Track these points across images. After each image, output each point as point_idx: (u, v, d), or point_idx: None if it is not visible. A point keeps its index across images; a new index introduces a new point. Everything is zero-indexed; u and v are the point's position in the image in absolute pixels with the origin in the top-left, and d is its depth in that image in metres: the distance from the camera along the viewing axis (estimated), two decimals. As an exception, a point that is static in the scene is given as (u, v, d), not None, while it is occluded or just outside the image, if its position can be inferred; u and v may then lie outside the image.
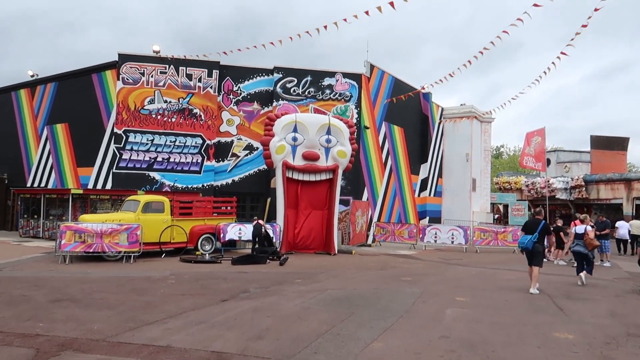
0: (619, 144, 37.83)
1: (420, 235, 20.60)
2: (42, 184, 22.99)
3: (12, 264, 12.92)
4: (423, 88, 23.19)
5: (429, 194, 27.66)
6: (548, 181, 33.80)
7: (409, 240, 20.87)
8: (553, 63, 16.75)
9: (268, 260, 14.61)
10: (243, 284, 10.28)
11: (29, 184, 23.57)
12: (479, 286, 10.90)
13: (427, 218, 27.03)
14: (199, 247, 16.14)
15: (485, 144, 31.66)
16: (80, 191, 18.72)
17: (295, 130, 17.36)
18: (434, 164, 28.38)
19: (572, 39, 15.34)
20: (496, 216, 36.43)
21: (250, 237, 16.49)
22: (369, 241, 22.06)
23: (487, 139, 31.71)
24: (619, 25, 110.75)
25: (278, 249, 16.48)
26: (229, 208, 18.28)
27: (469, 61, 18.07)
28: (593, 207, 33.52)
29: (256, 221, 16.08)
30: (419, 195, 27.02)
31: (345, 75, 22.11)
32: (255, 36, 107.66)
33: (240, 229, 16.58)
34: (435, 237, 20.44)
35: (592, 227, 12.37)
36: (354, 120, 21.89)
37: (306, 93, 21.69)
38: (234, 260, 14.10)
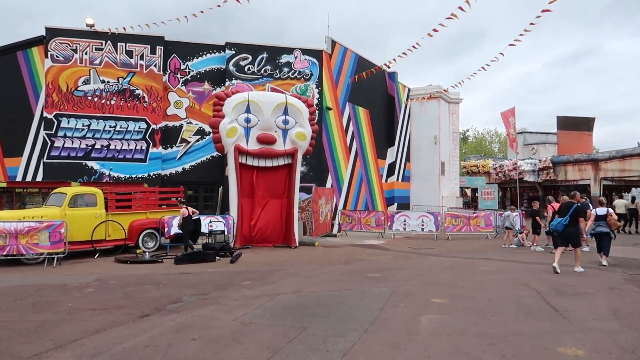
0: (585, 124, 37.47)
1: (389, 223, 19.20)
2: (-34, 178, 20.40)
3: None
4: (387, 65, 21.66)
5: (397, 179, 26.32)
6: (516, 163, 33.06)
7: (376, 228, 19.43)
8: (514, 43, 15.94)
9: (218, 258, 12.83)
10: (178, 290, 8.51)
11: (-49, 178, 20.90)
12: (456, 282, 9.46)
13: (396, 204, 25.70)
14: (141, 244, 14.21)
15: (454, 126, 30.55)
16: (4, 184, 16.37)
17: (248, 110, 15.51)
18: (402, 147, 27.03)
19: (532, 24, 14.57)
20: (465, 200, 35.63)
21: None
22: (335, 231, 20.53)
23: (455, 120, 30.60)
24: (583, 10, 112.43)
25: (230, 244, 14.71)
26: (176, 199, 16.31)
27: (429, 34, 16.56)
28: (560, 189, 32.99)
29: (184, 208, 13.98)
30: (386, 181, 25.65)
31: (305, 51, 20.33)
32: (224, 26, 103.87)
33: (187, 223, 14.68)
34: (404, 224, 19.07)
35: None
36: (315, 101, 20.18)
37: (262, 71, 19.81)
38: (177, 259, 12.27)
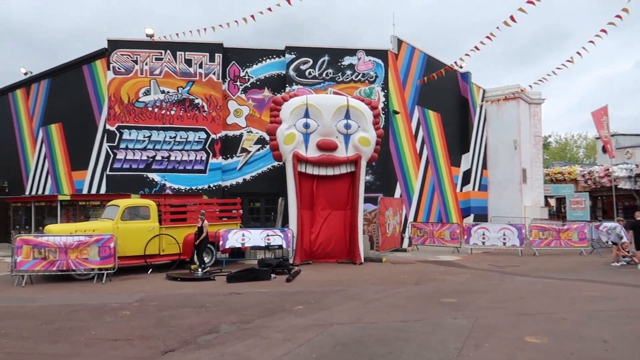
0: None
1: (465, 237, 17.25)
2: (40, 191, 20.96)
3: (-44, 288, 10.53)
4: (459, 65, 19.84)
5: (473, 188, 24.11)
6: (608, 169, 29.49)
7: (451, 242, 17.53)
8: (592, 42, 14.36)
9: (273, 275, 11.70)
10: (219, 317, 7.40)
11: (27, 192, 21.60)
12: (553, 312, 7.62)
13: (472, 216, 23.49)
14: (196, 259, 13.43)
15: (535, 129, 27.74)
16: (68, 197, 16.40)
17: (306, 115, 14.41)
18: (477, 153, 24.80)
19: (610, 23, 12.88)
20: (550, 211, 32.38)
21: (256, 243, 13.74)
22: (405, 245, 18.85)
23: (537, 123, 27.79)
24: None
25: (289, 259, 13.58)
26: (233, 212, 15.50)
27: (498, 27, 14.74)
28: (664, 197, 29.04)
29: (206, 220, 13.00)
30: (461, 190, 23.55)
31: (369, 52, 19.00)
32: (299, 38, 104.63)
33: (243, 235, 13.75)
34: (483, 238, 17.03)
35: None
36: (381, 104, 18.74)
37: (324, 75, 18.71)
38: (229, 277, 11.28)
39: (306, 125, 14.33)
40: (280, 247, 13.75)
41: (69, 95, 19.83)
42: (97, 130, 18.41)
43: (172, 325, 6.84)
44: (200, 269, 12.38)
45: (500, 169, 25.27)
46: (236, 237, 13.68)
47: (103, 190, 17.71)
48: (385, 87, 18.96)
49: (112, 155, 17.60)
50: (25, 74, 22.10)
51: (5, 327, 6.87)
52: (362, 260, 14.33)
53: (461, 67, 23.26)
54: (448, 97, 23.11)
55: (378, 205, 15.31)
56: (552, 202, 36.68)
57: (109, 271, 11.35)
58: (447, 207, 22.24)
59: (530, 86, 19.64)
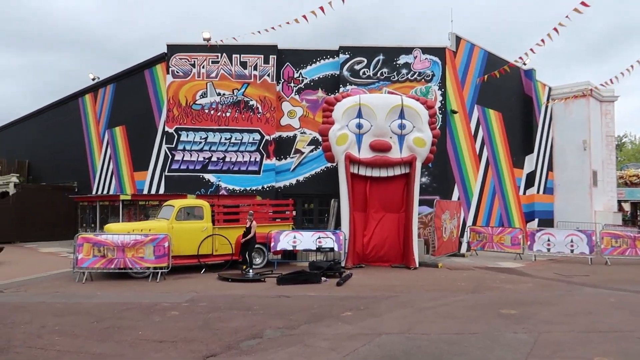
0: None
1: (528, 243, 16.26)
2: (105, 191, 21.94)
3: (23, 282, 11.10)
4: (522, 61, 18.76)
5: (537, 191, 22.80)
6: (693, 171, 27.04)
7: (512, 248, 16.59)
8: None
9: (324, 279, 11.48)
10: (265, 321, 7.26)
11: (93, 192, 22.68)
12: (629, 330, 6.88)
13: (536, 220, 22.21)
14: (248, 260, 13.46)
15: (608, 129, 25.89)
16: (129, 197, 16.99)
17: (359, 115, 14.10)
18: (542, 154, 23.44)
19: None
20: (624, 217, 30.11)
21: (307, 246, 13.59)
22: (463, 250, 18.08)
23: (609, 122, 25.92)
24: None
25: (341, 262, 13.32)
26: (286, 213, 15.44)
27: (560, 23, 13.70)
28: None
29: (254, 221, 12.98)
30: (524, 193, 22.34)
31: (425, 50, 18.41)
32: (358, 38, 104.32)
33: (294, 238, 13.64)
34: (548, 244, 15.97)
35: None
36: (438, 104, 18.10)
37: (378, 75, 18.31)
38: (279, 279, 11.18)
39: (359, 126, 14.02)
40: (332, 249, 13.51)
41: (132, 99, 20.63)
42: (157, 132, 19.01)
43: (217, 328, 6.76)
44: (250, 270, 12.37)
45: (567, 171, 23.76)
46: (287, 239, 13.59)
47: (162, 191, 18.23)
48: (442, 85, 18.29)
49: (170, 157, 18.09)
50: (93, 79, 23.24)
51: (60, 323, 7.07)
52: (417, 265, 13.82)
53: (525, 64, 22.09)
54: (510, 96, 22.00)
55: (434, 208, 14.73)
56: (627, 207, 34.12)
57: (163, 270, 11.57)
58: (509, 211, 21.15)
59: (604, 84, 18.28)
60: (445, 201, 16.06)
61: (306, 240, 13.58)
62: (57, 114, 27.13)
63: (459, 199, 18.46)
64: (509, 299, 9.28)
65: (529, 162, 22.66)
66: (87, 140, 23.90)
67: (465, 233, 18.12)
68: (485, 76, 19.20)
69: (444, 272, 13.29)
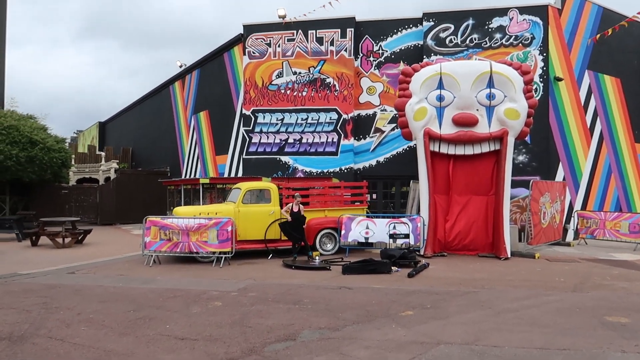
0: None
1: (652, 231, 13.61)
2: (192, 175, 22.46)
3: (98, 264, 11.30)
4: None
5: (666, 170, 19.29)
6: None
7: (630, 236, 14.01)
8: None
9: (395, 269, 10.30)
10: (308, 318, 6.35)
11: (182, 176, 23.36)
12: None
13: (664, 204, 18.84)
14: (318, 245, 12.68)
15: None
16: (207, 180, 17.01)
17: (440, 86, 12.52)
18: (674, 126, 19.76)
19: None
20: None
21: (381, 237, 12.41)
22: (569, 238, 15.75)
23: None
24: None
25: (419, 251, 12.00)
26: (362, 195, 14.36)
27: None
28: None
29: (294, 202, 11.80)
30: (649, 172, 19.03)
31: (523, 10, 16.12)
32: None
33: (367, 228, 12.50)
34: (679, 233, 13.22)
35: None
36: (539, 70, 15.79)
37: (467, 42, 16.40)
38: (345, 268, 10.19)
39: (440, 98, 12.46)
40: (407, 236, 12.22)
41: (213, 83, 20.73)
42: (235, 115, 18.85)
43: (251, 325, 5.97)
44: (317, 257, 11.54)
45: None
46: (359, 228, 12.48)
47: (240, 174, 18.08)
48: (544, 49, 15.91)
49: (248, 139, 17.82)
50: (180, 66, 23.80)
51: (98, 311, 6.76)
52: (509, 255, 12.06)
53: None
54: (632, 58, 18.68)
55: (530, 190, 12.76)
56: None
57: (227, 255, 11.15)
58: (629, 194, 18.10)
59: None
60: (545, 182, 13.91)
61: (380, 229, 12.40)
62: (154, 102, 28.43)
63: (564, 179, 16.06)
64: (621, 302, 7.44)
65: (656, 136, 19.20)
66: (177, 126, 24.67)
67: (572, 219, 15.73)
68: (598, 35, 16.36)
69: (541, 263, 11.41)
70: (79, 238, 15.10)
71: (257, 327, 5.90)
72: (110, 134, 38.47)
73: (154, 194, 23.19)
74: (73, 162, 27.31)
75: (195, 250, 11.12)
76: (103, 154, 28.53)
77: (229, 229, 11.08)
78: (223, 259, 11.12)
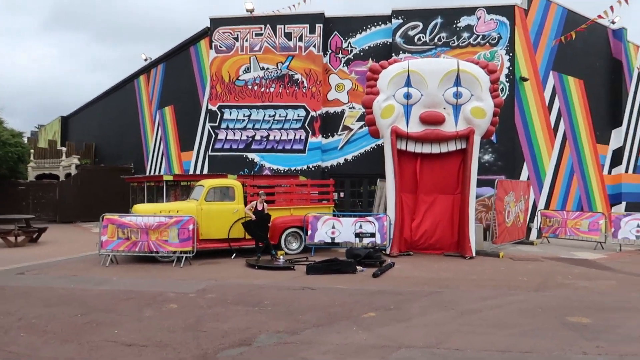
0: None
1: (612, 229, 13.87)
2: (157, 172, 21.84)
3: (50, 264, 10.76)
4: (606, 14, 15.91)
5: (626, 170, 19.81)
6: None
7: (589, 234, 14.25)
8: None
9: (360, 268, 10.13)
10: (266, 321, 6.10)
11: (147, 172, 22.69)
12: None
13: (624, 204, 19.34)
14: (283, 245, 12.42)
15: None
16: (171, 177, 16.50)
17: (408, 83, 12.42)
18: (633, 128, 20.30)
19: None
20: None
21: (348, 237, 12.23)
22: (533, 237, 15.97)
23: None
24: None
25: (385, 250, 11.88)
26: (331, 194, 14.16)
27: None
28: None
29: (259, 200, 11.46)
30: (609, 173, 19.49)
31: (491, 9, 16.21)
32: None
33: (333, 227, 12.30)
34: (638, 231, 13.51)
35: None
36: (505, 70, 15.92)
37: (436, 40, 16.39)
38: (309, 268, 9.97)
39: (407, 96, 12.36)
40: (372, 235, 12.10)
41: (179, 78, 20.18)
42: (201, 111, 18.38)
43: (206, 329, 5.69)
44: (281, 257, 11.30)
45: (664, 146, 20.44)
46: (325, 228, 12.27)
47: (206, 171, 17.63)
48: (510, 49, 16.04)
49: (213, 136, 17.38)
50: (145, 59, 23.09)
51: (42, 315, 6.34)
52: (473, 254, 12.08)
53: (613, 23, 19.10)
54: (595, 60, 19.08)
55: (496, 189, 12.82)
56: None
57: (188, 255, 10.77)
58: (590, 193, 18.50)
59: None
60: (510, 181, 14.02)
61: (346, 228, 12.23)
62: (118, 96, 27.57)
63: (528, 178, 16.26)
64: (583, 301, 7.46)
65: (616, 137, 19.67)
66: (141, 121, 23.97)
67: (536, 218, 15.94)
68: (563, 37, 16.61)
69: (505, 262, 11.46)
70: (34, 237, 14.42)
71: (212, 331, 5.62)
72: (73, 128, 37.18)
73: (118, 190, 22.38)
74: (32, 158, 26.23)
75: (155, 250, 10.70)
76: (64, 149, 27.48)
77: (191, 227, 10.71)
78: (184, 258, 10.74)
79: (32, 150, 26.81)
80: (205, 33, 18.08)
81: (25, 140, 26.85)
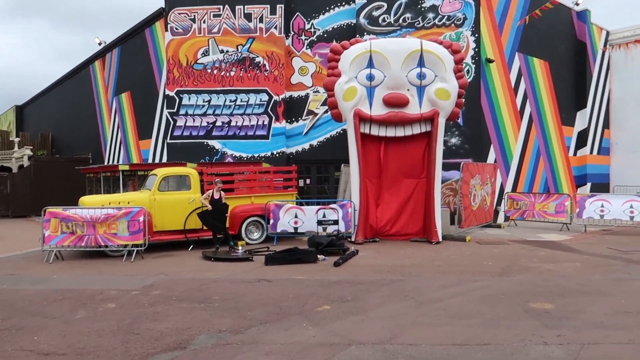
0: None
1: (577, 210, 13.81)
2: (115, 161, 20.89)
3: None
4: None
5: (591, 152, 19.91)
6: None
7: (556, 216, 14.18)
8: None
9: (322, 257, 9.69)
10: (209, 319, 5.59)
11: (105, 162, 21.70)
12: None
13: (589, 185, 19.45)
14: (244, 234, 11.89)
15: (678, 78, 22.30)
16: (127, 167, 15.66)
17: (370, 64, 11.94)
18: (597, 109, 20.39)
19: None
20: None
21: (311, 227, 11.76)
22: (500, 220, 15.86)
23: (680, 70, 22.31)
24: None
25: (343, 238, 11.43)
26: (294, 181, 13.64)
27: None
28: None
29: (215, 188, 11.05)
30: (575, 154, 19.56)
31: (456, -11, 15.80)
32: None
33: (296, 216, 11.81)
34: (602, 211, 13.48)
35: None
36: (471, 52, 15.62)
37: (400, 21, 15.92)
38: (268, 258, 9.47)
39: (370, 77, 11.89)
40: (336, 222, 11.68)
41: (135, 62, 19.24)
42: (158, 97, 17.53)
43: (140, 331, 5.14)
44: (239, 248, 10.79)
45: (628, 129, 20.62)
46: (288, 217, 11.76)
47: (165, 160, 16.86)
48: (476, 31, 15.71)
49: (172, 122, 16.58)
50: (100, 44, 21.94)
51: (-43, 320, 5.66)
52: (440, 239, 11.80)
53: (577, 4, 19.05)
54: (559, 42, 19.00)
55: (461, 173, 12.53)
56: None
57: (139, 248, 10.13)
58: (556, 175, 18.51)
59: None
60: (476, 164, 13.77)
61: (310, 217, 11.76)
62: (74, 83, 26.29)
63: (495, 161, 16.09)
64: (546, 285, 7.19)
65: (581, 119, 19.72)
66: (97, 109, 22.89)
67: (503, 200, 15.81)
68: (527, 17, 16.39)
69: (471, 247, 11.21)
70: (-23, 233, 13.46)
71: (145, 333, 5.07)
72: (29, 118, 35.50)
73: (75, 182, 21.35)
74: (-18, 149, 24.86)
75: (103, 244, 10.01)
76: (17, 140, 26.11)
77: (141, 219, 10.06)
78: (135, 252, 10.10)
79: (-18, 142, 25.44)
80: (161, 14, 17.17)
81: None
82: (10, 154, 24.36)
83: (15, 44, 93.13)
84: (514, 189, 16.64)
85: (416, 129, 12.06)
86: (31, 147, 24.44)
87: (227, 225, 11.54)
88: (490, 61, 15.97)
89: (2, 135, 27.90)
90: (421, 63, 11.86)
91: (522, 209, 14.81)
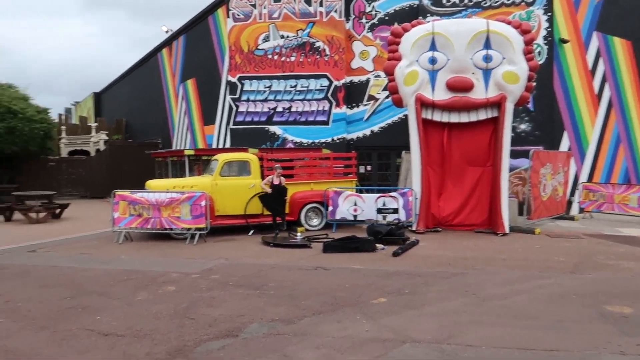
0: None
1: (662, 203, 12.68)
2: (183, 146, 21.62)
3: (63, 242, 10.65)
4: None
5: (679, 139, 18.16)
6: None
7: (638, 210, 13.10)
8: None
9: (381, 246, 9.50)
10: (263, 307, 5.60)
11: (173, 147, 22.52)
12: None
13: (676, 175, 17.78)
14: (303, 221, 11.93)
15: None
16: (192, 152, 16.15)
17: (433, 47, 11.45)
18: (688, 92, 18.51)
19: None
20: None
21: (371, 215, 11.54)
22: (574, 212, 14.90)
23: None
24: None
25: (403, 227, 11.10)
26: (353, 167, 13.47)
27: None
28: None
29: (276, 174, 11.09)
30: (660, 141, 17.92)
31: (529, -36, 14.79)
32: None
33: (356, 204, 11.66)
34: (692, 205, 12.29)
35: None
36: (543, 32, 14.63)
37: (466, 1, 15.18)
38: (326, 246, 9.42)
39: (432, 60, 11.41)
40: (396, 211, 11.40)
41: (199, 49, 19.69)
42: (221, 83, 17.88)
43: (195, 316, 5.24)
44: (277, 233, 10.87)
45: None
46: (347, 205, 11.64)
47: (228, 145, 17.22)
48: (549, 9, 14.69)
49: (235, 108, 16.89)
50: (167, 32, 22.67)
51: (32, 298, 6.05)
52: (507, 231, 11.22)
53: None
54: (645, 18, 17.34)
55: (530, 161, 11.82)
56: None
57: (202, 232, 10.41)
58: (638, 164, 17.06)
59: None
60: (547, 152, 12.95)
61: (369, 205, 11.55)
62: (144, 71, 27.40)
63: (569, 149, 15.09)
64: (625, 286, 6.62)
65: (669, 102, 17.99)
66: (166, 95, 23.72)
67: (577, 191, 14.81)
68: (610, -8, 15.05)
69: (541, 240, 10.59)
70: (56, 212, 14.44)
71: (200, 318, 5.16)
72: (105, 104, 37.53)
73: (146, 166, 22.42)
74: (64, 134, 26.57)
75: (168, 227, 10.39)
76: (94, 125, 27.70)
77: (203, 203, 10.31)
78: (197, 235, 10.39)
79: (64, 127, 27.17)
80: (222, 1, 17.41)
81: (56, 116, 27.20)
82: (88, 138, 25.89)
83: (94, 34, 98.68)
84: (589, 179, 15.54)
85: (482, 115, 11.48)
86: (107, 132, 25.85)
87: (287, 210, 11.63)
88: (565, 41, 14.89)
89: (81, 120, 29.69)
90: (487, 45, 11.22)
91: (599, 200, 13.81)
